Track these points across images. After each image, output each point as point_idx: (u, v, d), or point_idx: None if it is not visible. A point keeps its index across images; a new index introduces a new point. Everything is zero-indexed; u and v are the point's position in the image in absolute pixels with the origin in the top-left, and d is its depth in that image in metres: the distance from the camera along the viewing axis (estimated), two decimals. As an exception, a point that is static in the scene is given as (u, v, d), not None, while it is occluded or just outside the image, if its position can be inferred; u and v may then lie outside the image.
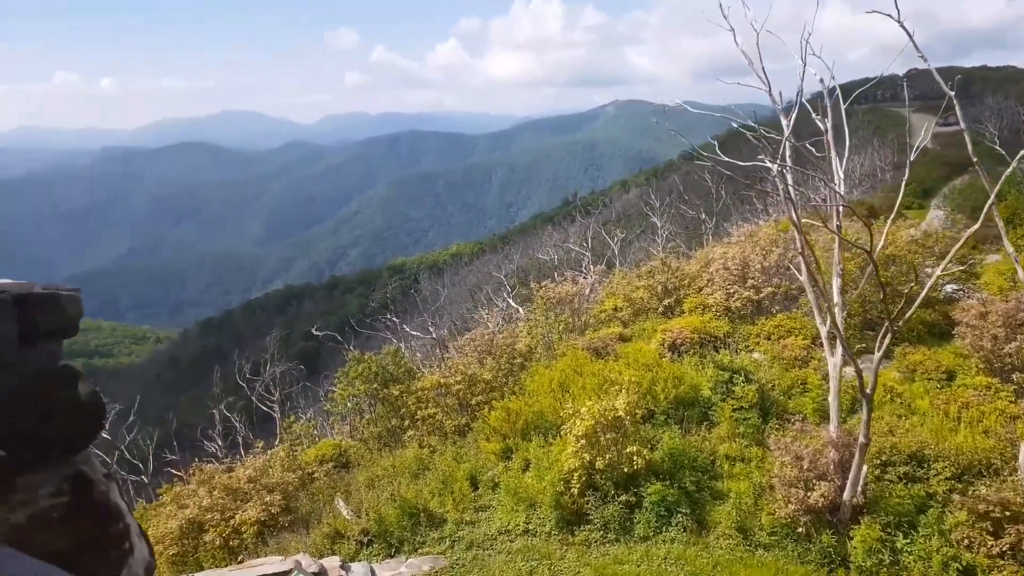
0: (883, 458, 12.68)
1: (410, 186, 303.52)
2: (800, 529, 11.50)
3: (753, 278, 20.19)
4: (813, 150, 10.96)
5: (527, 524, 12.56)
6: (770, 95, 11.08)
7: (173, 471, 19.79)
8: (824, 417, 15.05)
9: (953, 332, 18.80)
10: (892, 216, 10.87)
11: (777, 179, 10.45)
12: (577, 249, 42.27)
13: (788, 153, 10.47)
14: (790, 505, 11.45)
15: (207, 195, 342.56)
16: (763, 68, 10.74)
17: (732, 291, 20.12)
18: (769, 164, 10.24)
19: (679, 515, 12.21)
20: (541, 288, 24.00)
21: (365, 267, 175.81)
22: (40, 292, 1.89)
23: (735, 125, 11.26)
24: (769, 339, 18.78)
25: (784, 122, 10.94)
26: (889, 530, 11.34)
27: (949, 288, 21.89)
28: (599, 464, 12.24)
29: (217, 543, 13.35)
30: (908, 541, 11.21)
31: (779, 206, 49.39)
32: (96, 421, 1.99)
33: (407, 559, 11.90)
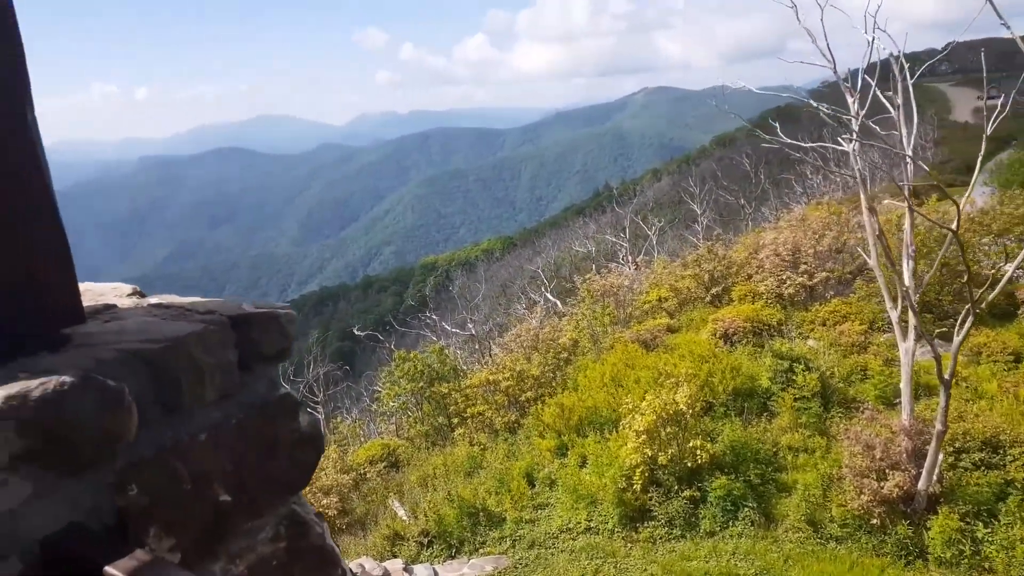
0: (956, 445, 12.18)
1: (441, 183, 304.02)
2: (874, 521, 11.09)
3: (806, 263, 19.65)
4: (877, 128, 10.51)
5: (588, 522, 12.33)
6: (835, 72, 10.66)
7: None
8: (886, 404, 14.57)
9: (1017, 312, 18.12)
10: (968, 192, 10.35)
11: (852, 158, 10.01)
12: (614, 240, 41.80)
13: (856, 132, 10.02)
14: (863, 496, 11.04)
15: (243, 199, 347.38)
16: (828, 45, 10.34)
17: (784, 277, 19.60)
18: (844, 144, 9.82)
19: (745, 509, 11.88)
20: (585, 280, 23.69)
21: (398, 265, 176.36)
22: (257, 312, 1.70)
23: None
24: (824, 325, 18.27)
25: (850, 99, 10.51)
26: (968, 520, 10.88)
27: (1009, 267, 21.04)
28: (661, 459, 11.95)
29: (276, 547, 13.32)
30: (989, 531, 10.74)
31: (819, 188, 48.43)
32: (316, 455, 1.79)
33: (469, 559, 11.76)
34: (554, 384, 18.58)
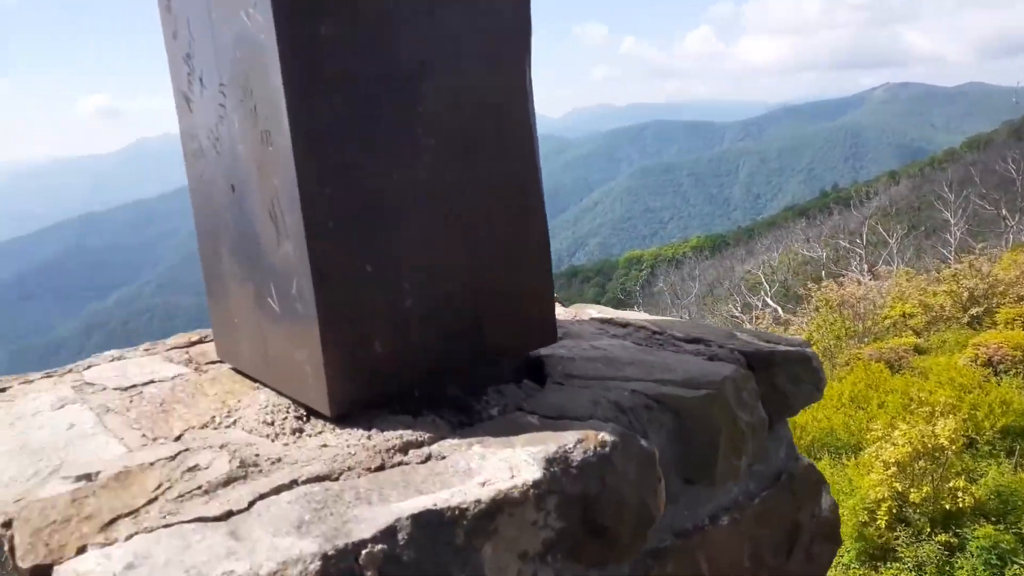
0: None
1: (652, 176, 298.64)
2: None
3: (1098, 289, 16.82)
4: None
5: (820, 551, 11.41)
6: None
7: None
8: None
9: None
10: None
11: None
12: (848, 245, 38.65)
13: None
14: None
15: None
16: None
17: (1069, 303, 16.91)
18: None
19: (1015, 566, 10.35)
20: (821, 288, 22.09)
21: (603, 257, 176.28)
22: (782, 350, 1.29)
23: None
24: (1119, 363, 15.52)
25: None
26: None
27: None
28: (913, 497, 10.73)
29: None
30: None
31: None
32: (835, 550, 1.36)
33: None
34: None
